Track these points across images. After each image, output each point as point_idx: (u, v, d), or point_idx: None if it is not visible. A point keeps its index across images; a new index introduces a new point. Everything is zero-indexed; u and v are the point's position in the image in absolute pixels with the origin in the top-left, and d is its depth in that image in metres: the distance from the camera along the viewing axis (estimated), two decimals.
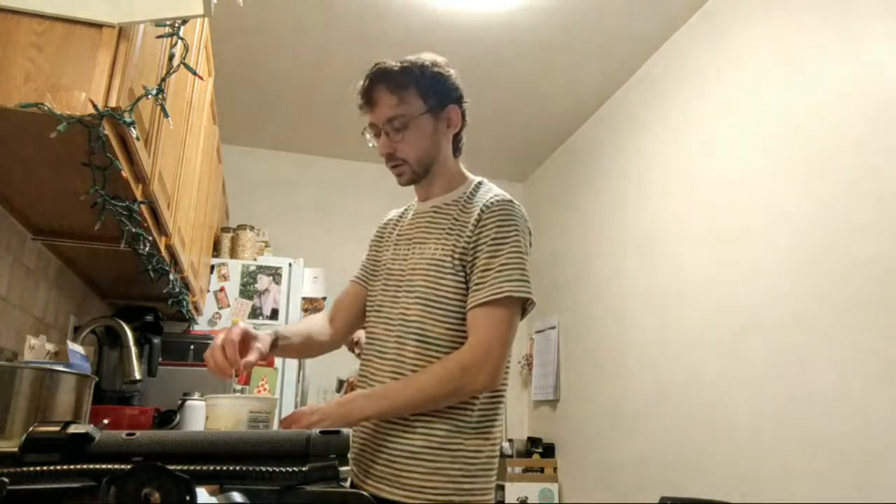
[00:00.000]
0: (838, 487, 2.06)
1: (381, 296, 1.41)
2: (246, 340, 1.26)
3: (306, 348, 1.51)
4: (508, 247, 1.29)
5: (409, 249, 1.40)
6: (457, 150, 1.45)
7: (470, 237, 1.30)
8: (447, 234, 1.34)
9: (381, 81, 1.36)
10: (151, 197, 1.45)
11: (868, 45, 2.15)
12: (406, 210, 1.55)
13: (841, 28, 2.27)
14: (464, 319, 1.29)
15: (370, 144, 1.42)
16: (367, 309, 1.46)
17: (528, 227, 1.37)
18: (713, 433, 2.69)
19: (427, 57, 1.39)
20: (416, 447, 1.23)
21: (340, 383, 2.90)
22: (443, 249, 1.32)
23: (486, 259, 1.28)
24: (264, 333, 1.31)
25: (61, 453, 0.49)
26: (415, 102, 1.35)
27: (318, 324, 1.53)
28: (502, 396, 1.33)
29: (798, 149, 2.40)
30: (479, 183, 1.43)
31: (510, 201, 1.35)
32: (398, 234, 1.47)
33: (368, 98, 1.37)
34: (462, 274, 1.31)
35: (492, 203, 1.33)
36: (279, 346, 1.37)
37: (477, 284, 1.27)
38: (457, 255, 1.30)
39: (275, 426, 1.63)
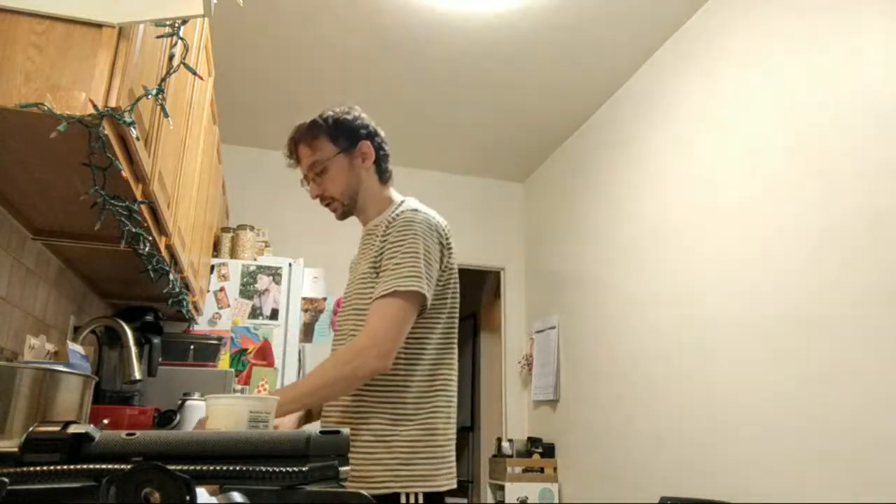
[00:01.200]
0: (838, 487, 2.06)
1: (341, 320, 1.56)
2: None
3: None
4: (403, 247, 1.42)
5: (352, 274, 1.59)
6: (382, 178, 1.61)
7: (379, 249, 1.46)
8: (372, 251, 1.49)
9: (298, 139, 1.58)
10: (151, 197, 1.45)
11: (869, 44, 2.15)
12: None
13: (842, 27, 2.27)
14: None
15: (307, 191, 1.60)
16: None
17: (431, 231, 1.47)
18: (713, 433, 2.69)
19: (336, 107, 1.61)
20: (356, 441, 1.35)
21: None
22: (368, 265, 1.48)
23: (385, 261, 1.43)
24: (288, 419, 1.48)
25: (61, 453, 0.49)
26: (327, 147, 1.55)
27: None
28: (442, 389, 1.43)
29: (800, 148, 2.40)
30: (402, 202, 1.57)
31: (415, 211, 1.48)
32: (351, 262, 1.68)
33: (293, 156, 1.60)
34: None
35: (397, 215, 1.48)
36: (315, 413, 1.56)
37: (377, 285, 1.42)
38: (375, 267, 1.46)
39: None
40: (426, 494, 1.33)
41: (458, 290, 1.55)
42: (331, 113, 1.59)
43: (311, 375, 1.38)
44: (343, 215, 1.61)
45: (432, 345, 1.45)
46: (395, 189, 1.64)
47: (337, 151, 1.55)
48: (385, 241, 1.45)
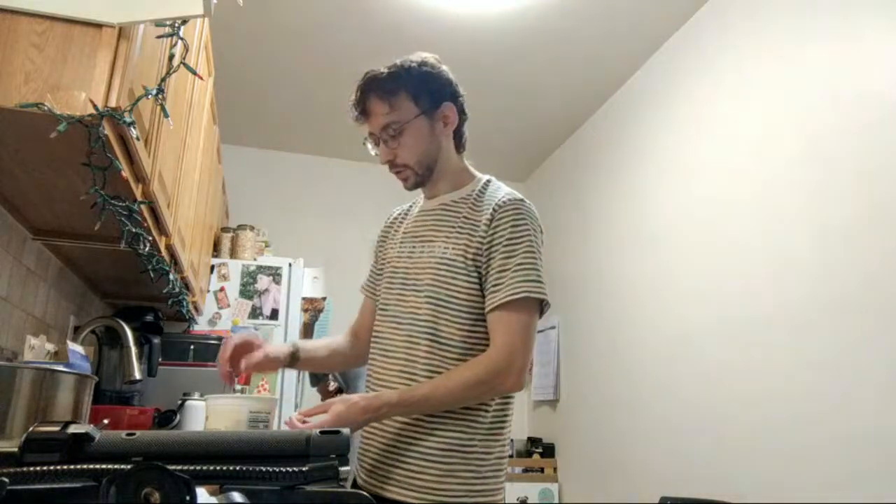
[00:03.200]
0: (839, 487, 2.06)
1: (385, 294, 1.39)
2: (247, 345, 1.29)
3: (330, 361, 1.51)
4: (523, 247, 1.26)
5: (414, 247, 1.38)
6: (460, 146, 1.43)
7: (483, 237, 1.28)
8: (458, 232, 1.31)
9: (371, 91, 1.35)
10: (151, 197, 1.45)
11: (868, 43, 2.15)
12: (411, 207, 1.53)
13: (843, 26, 2.27)
14: (475, 320, 1.28)
15: (372, 153, 1.41)
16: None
17: (540, 225, 1.33)
18: (714, 433, 2.69)
19: (416, 57, 1.39)
20: (430, 450, 1.23)
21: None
22: (454, 248, 1.30)
23: (502, 260, 1.26)
24: (281, 344, 1.33)
25: (61, 453, 0.49)
26: (407, 106, 1.34)
27: (340, 339, 1.55)
28: (513, 397, 1.33)
29: (802, 147, 2.40)
30: (488, 181, 1.40)
31: (522, 200, 1.32)
32: (403, 232, 1.45)
33: (362, 109, 1.37)
34: (475, 274, 1.28)
35: (504, 202, 1.30)
36: (301, 359, 1.39)
37: (495, 285, 1.25)
38: (469, 255, 1.28)
39: (275, 426, 1.63)
40: None
41: None
42: (415, 63, 1.37)
43: (438, 390, 1.22)
44: (415, 185, 1.41)
45: None
46: None
47: (418, 112, 1.33)
48: (494, 230, 1.27)
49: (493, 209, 1.29)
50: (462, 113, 1.41)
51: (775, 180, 2.49)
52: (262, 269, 3.54)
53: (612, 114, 3.90)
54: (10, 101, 0.99)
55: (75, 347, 1.78)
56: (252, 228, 3.76)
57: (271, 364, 1.38)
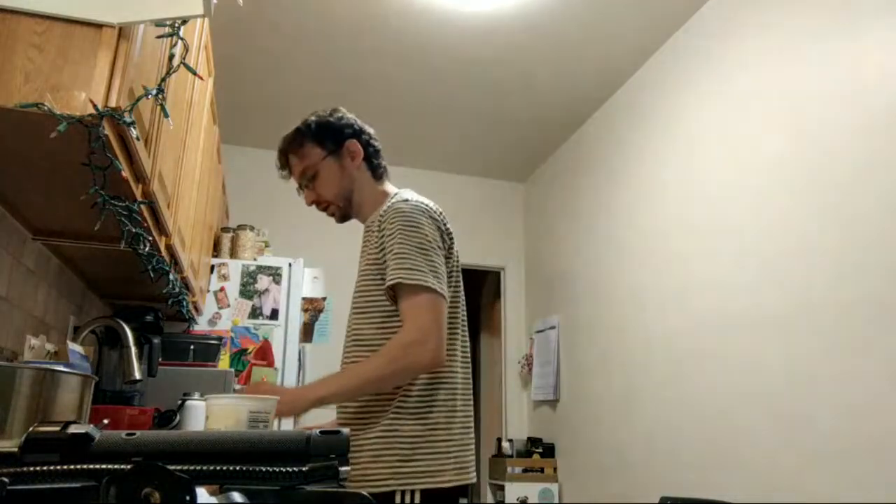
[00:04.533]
0: (839, 487, 2.06)
1: (350, 319, 1.54)
2: None
3: None
4: (397, 239, 1.39)
5: (358, 273, 1.55)
6: (376, 174, 1.59)
7: (378, 244, 1.44)
8: (369, 247, 1.48)
9: (286, 150, 1.58)
10: (151, 197, 1.45)
11: (870, 44, 2.15)
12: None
13: (845, 26, 2.27)
14: (387, 317, 1.41)
15: (305, 202, 1.60)
16: None
17: (426, 218, 1.43)
18: (713, 433, 2.69)
19: (319, 111, 1.60)
20: (362, 438, 1.33)
21: None
22: (367, 262, 1.47)
23: (388, 256, 1.39)
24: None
25: (61, 453, 0.49)
26: (314, 152, 1.54)
27: None
28: (445, 381, 1.39)
29: (802, 146, 2.40)
30: (395, 194, 1.54)
31: (405, 202, 1.45)
32: None
33: (284, 167, 1.59)
34: (384, 275, 1.41)
35: (387, 209, 1.45)
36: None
37: (391, 269, 1.38)
38: (379, 262, 1.42)
39: (275, 426, 1.63)
40: (425, 491, 1.29)
41: (460, 278, 1.50)
42: (313, 118, 1.58)
43: (363, 367, 1.36)
44: (342, 218, 1.60)
45: None
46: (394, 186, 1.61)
47: (325, 155, 1.54)
48: (382, 233, 1.42)
49: (381, 216, 1.45)
50: (368, 146, 1.58)
51: (776, 180, 2.49)
52: (262, 269, 3.54)
53: (612, 114, 3.90)
54: (10, 101, 0.99)
55: (75, 347, 1.78)
56: (252, 228, 3.76)
57: None
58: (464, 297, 1.53)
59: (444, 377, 1.39)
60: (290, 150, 1.57)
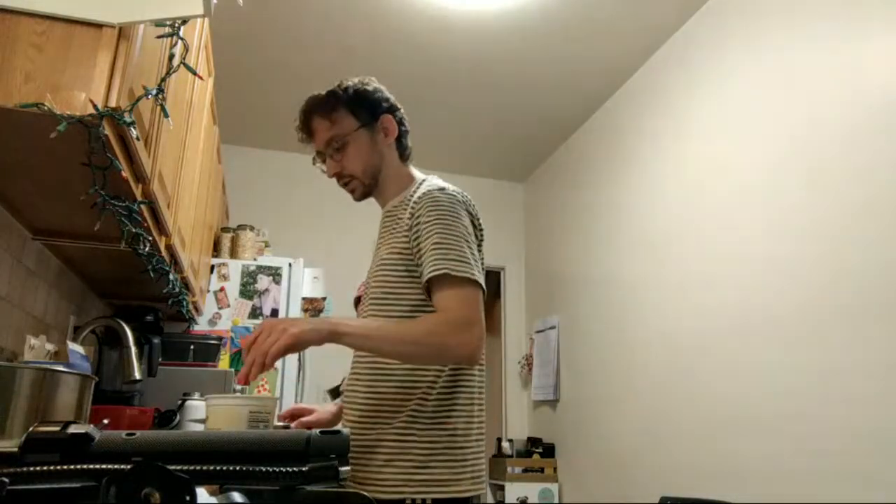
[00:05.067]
0: (839, 487, 2.06)
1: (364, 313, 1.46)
2: (301, 410, 1.52)
3: None
4: (437, 228, 1.29)
5: (374, 255, 1.46)
6: (403, 155, 1.50)
7: (408, 232, 1.33)
8: (395, 235, 1.38)
9: (312, 111, 1.44)
10: (151, 197, 1.45)
11: (870, 45, 2.15)
12: None
13: (844, 28, 2.27)
14: (412, 310, 1.31)
15: (321, 171, 1.49)
16: None
17: (457, 210, 1.34)
18: (713, 433, 2.69)
19: (353, 78, 1.48)
20: (373, 441, 1.25)
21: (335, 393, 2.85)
22: (390, 250, 1.36)
23: (424, 242, 1.29)
24: (328, 404, 1.50)
25: (61, 453, 0.49)
26: (347, 121, 1.42)
27: None
28: (464, 386, 1.31)
29: (802, 146, 2.40)
30: (423, 181, 1.46)
31: (441, 189, 1.36)
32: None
33: (306, 129, 1.46)
34: (413, 268, 1.33)
35: (421, 195, 1.35)
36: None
37: (421, 265, 1.29)
38: (404, 252, 1.33)
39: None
40: (438, 501, 1.22)
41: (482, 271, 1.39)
42: (350, 83, 1.45)
43: (397, 326, 1.26)
44: (363, 195, 1.48)
45: None
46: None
47: (358, 126, 1.42)
48: (417, 221, 1.32)
49: (413, 204, 1.35)
50: (401, 125, 1.49)
51: (776, 181, 2.49)
52: (262, 269, 3.54)
53: (611, 115, 3.90)
54: (10, 101, 0.99)
55: (75, 347, 1.78)
56: (252, 228, 3.76)
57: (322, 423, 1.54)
58: None
59: (464, 382, 1.31)
60: (320, 112, 1.43)
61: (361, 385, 1.33)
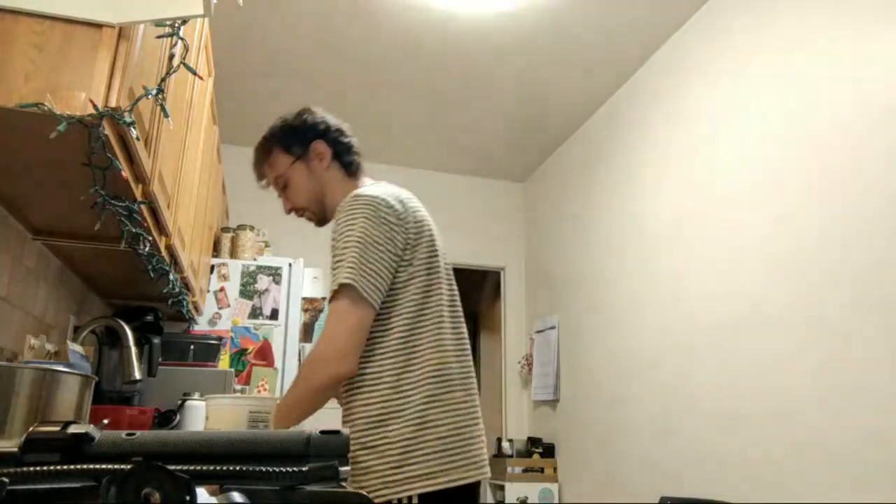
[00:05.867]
0: (839, 487, 2.06)
1: None
2: None
3: None
4: (340, 239, 1.34)
5: None
6: (349, 171, 1.54)
7: (332, 247, 1.38)
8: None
9: (256, 160, 1.56)
10: (151, 197, 1.45)
11: (870, 45, 2.15)
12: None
13: (844, 27, 2.27)
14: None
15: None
16: None
17: (370, 210, 1.35)
18: (713, 433, 2.69)
19: (284, 116, 1.56)
20: (354, 451, 1.27)
21: None
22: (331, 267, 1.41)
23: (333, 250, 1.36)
24: None
25: (61, 453, 0.49)
26: (282, 159, 1.52)
27: None
28: (433, 375, 1.31)
29: (801, 146, 2.40)
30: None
31: (351, 197, 1.38)
32: None
33: (260, 177, 1.57)
34: None
35: (338, 208, 1.40)
36: None
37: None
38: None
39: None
40: (424, 496, 1.22)
41: (435, 263, 1.40)
42: (279, 123, 1.54)
43: (287, 395, 1.31)
44: (320, 222, 1.57)
45: (403, 330, 1.32)
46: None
47: (293, 160, 1.51)
48: (332, 237, 1.38)
49: (334, 220, 1.41)
50: (337, 143, 1.53)
51: (776, 181, 2.49)
52: (262, 269, 3.54)
53: (611, 115, 3.90)
54: (10, 101, 0.99)
55: (75, 347, 1.78)
56: (252, 228, 3.76)
57: None
58: (450, 287, 1.45)
59: (432, 371, 1.31)
60: (261, 160, 1.54)
61: (343, 402, 1.38)
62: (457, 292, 1.47)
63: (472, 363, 1.43)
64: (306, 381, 1.28)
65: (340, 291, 1.29)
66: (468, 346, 1.43)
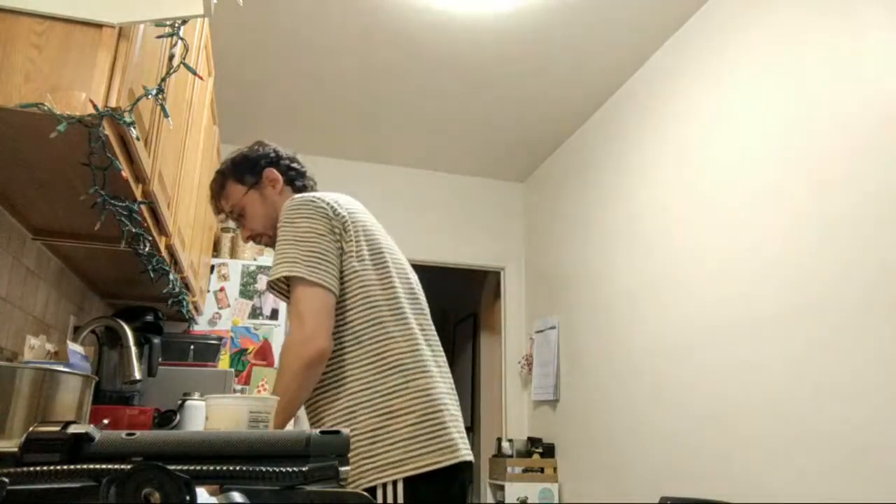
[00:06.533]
0: (840, 487, 2.06)
1: None
2: None
3: None
4: (279, 238, 1.40)
5: None
6: (301, 190, 1.63)
7: None
8: None
9: (213, 195, 1.64)
10: (151, 197, 1.45)
11: (870, 45, 2.15)
12: None
13: (843, 26, 2.27)
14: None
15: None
16: None
17: (298, 210, 1.41)
18: (714, 432, 2.69)
19: (237, 150, 1.67)
20: None
21: None
22: None
23: None
24: None
25: (61, 453, 0.49)
26: (236, 189, 1.60)
27: None
28: (396, 366, 1.34)
29: (801, 146, 2.40)
30: None
31: (290, 200, 1.44)
32: None
33: (216, 210, 1.65)
34: None
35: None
36: None
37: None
38: None
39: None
40: (408, 479, 1.24)
41: (381, 256, 1.43)
42: (231, 156, 1.63)
43: (276, 390, 1.34)
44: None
45: (362, 324, 1.36)
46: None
47: (245, 190, 1.59)
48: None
49: None
50: (289, 170, 1.62)
51: (777, 181, 2.49)
52: (262, 269, 3.54)
53: (611, 115, 3.90)
54: (10, 101, 0.99)
55: (75, 347, 1.78)
56: None
57: None
58: (405, 280, 1.47)
59: (395, 362, 1.34)
60: (217, 195, 1.62)
61: (308, 401, 1.41)
62: (415, 285, 1.50)
63: (441, 351, 1.46)
64: (288, 366, 1.30)
65: (292, 285, 1.34)
66: (434, 336, 1.47)
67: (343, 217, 1.43)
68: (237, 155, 1.63)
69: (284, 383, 1.30)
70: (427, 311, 1.50)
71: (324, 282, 1.33)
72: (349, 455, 1.27)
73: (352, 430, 1.29)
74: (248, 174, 1.60)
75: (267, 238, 1.60)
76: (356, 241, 1.41)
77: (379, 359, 1.34)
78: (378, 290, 1.39)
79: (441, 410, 1.34)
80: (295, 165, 1.65)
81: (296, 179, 1.63)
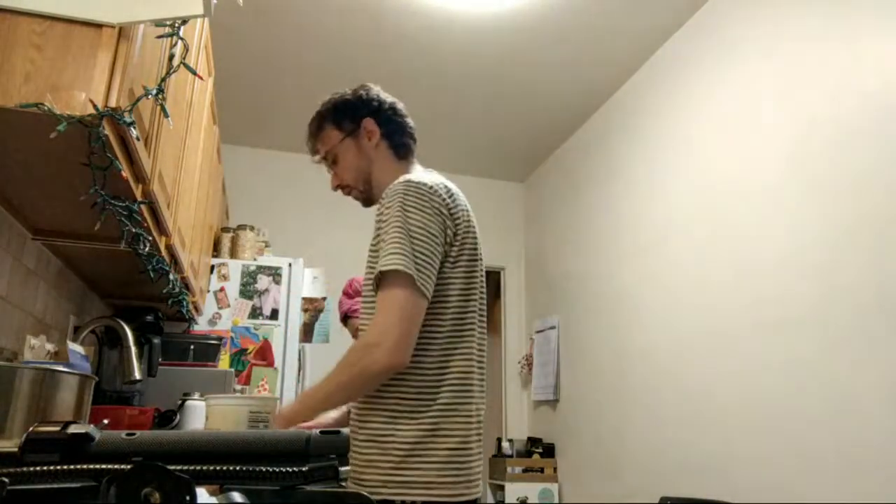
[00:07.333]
0: (840, 486, 2.06)
1: None
2: None
3: None
4: (389, 223, 1.27)
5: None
6: (399, 153, 1.49)
7: (376, 230, 1.33)
8: (374, 236, 1.38)
9: (310, 135, 1.53)
10: (151, 197, 1.45)
11: (869, 45, 2.15)
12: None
13: (843, 26, 2.27)
14: None
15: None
16: None
17: (417, 199, 1.29)
18: (713, 433, 2.69)
19: (341, 91, 1.53)
20: (356, 440, 1.25)
21: None
22: (370, 251, 1.34)
23: (384, 235, 1.28)
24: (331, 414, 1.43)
25: (61, 453, 0.49)
26: (332, 135, 1.49)
27: None
28: (455, 383, 1.26)
29: (800, 147, 2.40)
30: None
31: (403, 182, 1.32)
32: None
33: (312, 151, 1.54)
34: None
35: (387, 191, 1.34)
36: None
37: (379, 258, 1.28)
38: (375, 252, 1.31)
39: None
40: None
41: (475, 266, 1.35)
42: (332, 97, 1.51)
43: (328, 378, 1.26)
44: (366, 202, 1.50)
45: (443, 330, 1.27)
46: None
47: (342, 136, 1.47)
48: (379, 218, 1.31)
49: (382, 200, 1.34)
50: (389, 123, 1.50)
51: (777, 183, 2.49)
52: (262, 269, 3.54)
53: (612, 113, 3.90)
54: (10, 101, 0.99)
55: (75, 347, 1.78)
56: (252, 228, 3.76)
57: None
58: (483, 291, 1.38)
59: (455, 379, 1.26)
60: (314, 135, 1.51)
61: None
62: (484, 293, 1.42)
63: (485, 363, 1.39)
64: (354, 366, 1.22)
65: (394, 279, 1.22)
66: (485, 351, 1.38)
67: (458, 219, 1.33)
68: (339, 98, 1.50)
69: (342, 381, 1.23)
70: (485, 320, 1.41)
71: (426, 290, 1.23)
72: (378, 459, 1.20)
73: (391, 434, 1.22)
74: (348, 120, 1.48)
75: (356, 192, 1.49)
76: (460, 247, 1.32)
77: (441, 370, 1.26)
78: (456, 301, 1.30)
79: (473, 442, 1.28)
80: (397, 118, 1.52)
81: (394, 135, 1.49)
